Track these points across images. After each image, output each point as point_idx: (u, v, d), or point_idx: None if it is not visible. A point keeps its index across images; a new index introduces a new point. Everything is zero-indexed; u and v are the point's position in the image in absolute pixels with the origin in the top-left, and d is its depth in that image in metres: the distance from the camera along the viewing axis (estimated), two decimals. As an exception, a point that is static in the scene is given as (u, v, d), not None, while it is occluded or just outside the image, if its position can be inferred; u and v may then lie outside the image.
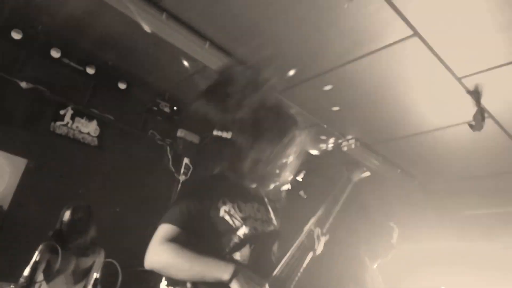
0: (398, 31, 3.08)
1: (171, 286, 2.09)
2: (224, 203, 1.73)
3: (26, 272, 2.31)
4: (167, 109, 4.43)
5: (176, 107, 4.48)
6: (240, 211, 1.74)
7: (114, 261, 2.77)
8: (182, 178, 4.84)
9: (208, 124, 1.95)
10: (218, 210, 1.71)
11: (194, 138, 4.91)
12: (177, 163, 4.85)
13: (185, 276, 1.58)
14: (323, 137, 4.45)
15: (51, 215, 3.70)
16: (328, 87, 3.91)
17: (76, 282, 3.20)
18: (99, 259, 3.35)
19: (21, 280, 2.26)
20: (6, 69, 3.80)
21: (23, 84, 3.82)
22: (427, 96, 3.78)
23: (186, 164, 4.86)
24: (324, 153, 3.50)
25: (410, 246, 5.61)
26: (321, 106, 4.20)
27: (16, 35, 3.67)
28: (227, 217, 1.70)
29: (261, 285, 1.55)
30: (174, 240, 1.61)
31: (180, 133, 4.86)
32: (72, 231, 3.10)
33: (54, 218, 3.64)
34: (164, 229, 1.66)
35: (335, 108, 4.16)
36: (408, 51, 3.24)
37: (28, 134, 3.89)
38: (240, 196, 1.80)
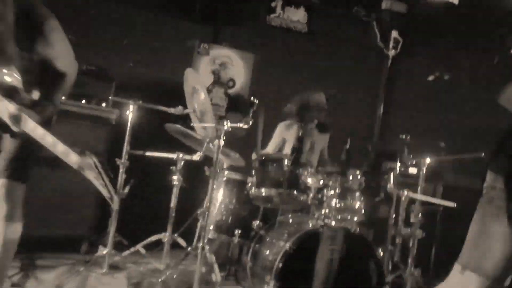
0: None
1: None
2: None
3: (293, 145, 2.74)
4: (374, -21, 4.14)
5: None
6: None
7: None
8: (391, 53, 4.67)
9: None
10: None
11: (401, 8, 4.55)
12: (385, 38, 4.66)
13: None
14: None
15: (282, 98, 4.18)
16: None
17: (313, 157, 3.63)
18: (327, 136, 3.70)
19: (291, 152, 2.72)
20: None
21: (238, -17, 4.10)
22: None
23: (395, 38, 4.62)
24: None
25: None
26: None
27: None
28: None
29: None
30: None
31: (385, 4, 4.56)
32: (311, 111, 3.44)
33: (283, 103, 4.12)
34: None
35: None
36: None
37: (251, 31, 4.31)
38: None
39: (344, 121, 4.01)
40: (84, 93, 3.34)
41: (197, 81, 3.04)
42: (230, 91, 4.33)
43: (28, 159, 1.84)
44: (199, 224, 3.08)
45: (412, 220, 2.90)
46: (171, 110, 3.04)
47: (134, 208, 3.28)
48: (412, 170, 3.43)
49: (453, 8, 4.26)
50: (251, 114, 2.69)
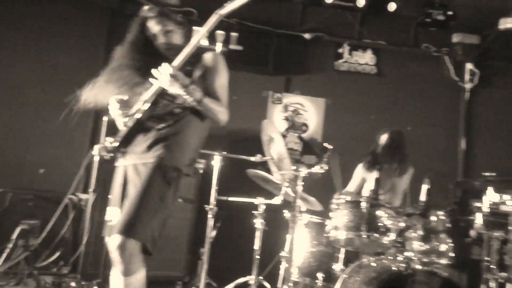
0: None
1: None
2: None
3: (370, 186, 2.79)
4: (440, 17, 4.16)
5: (451, 11, 4.15)
6: None
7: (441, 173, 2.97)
8: (468, 86, 4.55)
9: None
10: None
11: (474, 39, 4.47)
12: (459, 71, 4.58)
13: None
14: None
15: (356, 140, 4.26)
16: None
17: (394, 198, 3.59)
18: (409, 176, 3.65)
19: (368, 194, 2.76)
20: (291, 26, 4.44)
21: (307, 36, 4.38)
22: None
23: (470, 70, 4.52)
24: None
25: None
26: None
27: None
28: None
29: None
30: None
31: (456, 38, 4.52)
32: (387, 153, 3.46)
33: (356, 144, 4.19)
34: None
35: None
36: None
37: (320, 77, 4.52)
38: None
39: (424, 160, 3.93)
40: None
41: (273, 131, 3.27)
42: (304, 135, 4.51)
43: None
44: (282, 267, 3.19)
45: (507, 262, 2.73)
46: (251, 159, 3.29)
47: (221, 251, 3.50)
48: (506, 208, 3.24)
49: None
50: (325, 159, 2.81)
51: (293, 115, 4.52)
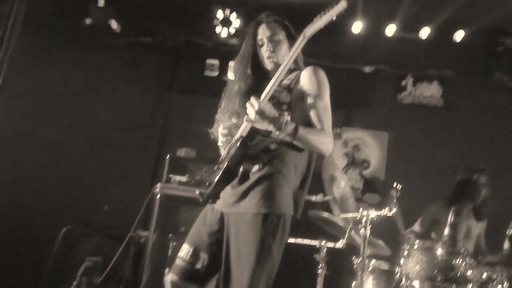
0: None
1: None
2: None
3: (446, 231, 2.54)
4: (514, 45, 3.88)
5: (526, 39, 3.86)
6: None
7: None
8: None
9: None
10: None
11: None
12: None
13: None
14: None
15: (422, 177, 3.98)
16: None
17: (468, 244, 3.25)
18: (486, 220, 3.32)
19: (444, 239, 2.51)
20: (350, 60, 4.35)
21: (367, 69, 4.26)
22: None
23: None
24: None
25: None
26: None
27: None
28: None
29: None
30: None
31: (533, 67, 4.16)
32: (468, 194, 3.16)
33: (422, 182, 3.91)
34: None
35: None
36: None
37: (382, 111, 4.33)
38: None
39: (501, 202, 3.55)
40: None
41: (335, 169, 3.14)
42: (365, 172, 4.30)
43: None
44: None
45: None
46: (312, 198, 3.15)
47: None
48: None
49: None
50: (394, 201, 2.62)
51: (353, 151, 4.35)
